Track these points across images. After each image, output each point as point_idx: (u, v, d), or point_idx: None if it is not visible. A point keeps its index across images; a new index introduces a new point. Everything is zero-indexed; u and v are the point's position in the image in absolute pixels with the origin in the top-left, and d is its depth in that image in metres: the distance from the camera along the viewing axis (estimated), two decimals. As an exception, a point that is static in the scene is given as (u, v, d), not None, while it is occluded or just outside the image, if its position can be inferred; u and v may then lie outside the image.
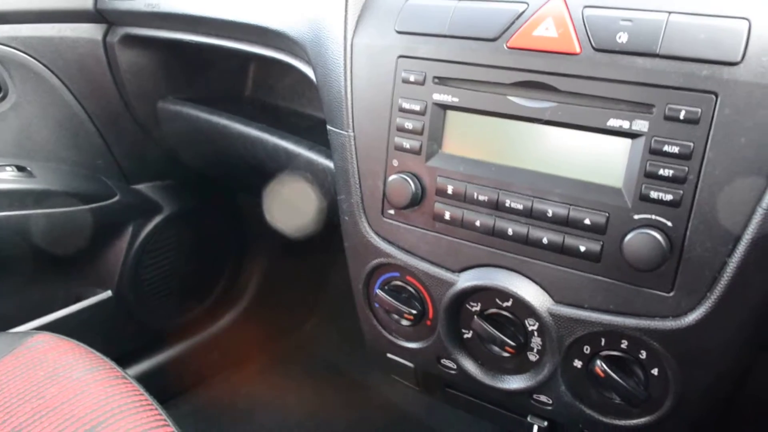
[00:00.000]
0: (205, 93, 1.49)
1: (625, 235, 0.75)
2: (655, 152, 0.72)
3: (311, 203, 1.25)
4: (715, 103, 0.68)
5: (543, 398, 0.92)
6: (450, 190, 0.87)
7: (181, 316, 1.82)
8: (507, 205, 0.83)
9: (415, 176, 0.89)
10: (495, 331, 0.89)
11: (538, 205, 0.81)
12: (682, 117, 0.70)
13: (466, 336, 0.95)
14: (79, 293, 1.55)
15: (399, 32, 0.89)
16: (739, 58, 0.67)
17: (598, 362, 0.83)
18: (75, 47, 1.37)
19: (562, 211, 0.79)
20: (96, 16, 1.37)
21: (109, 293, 1.58)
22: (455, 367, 0.97)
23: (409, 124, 0.88)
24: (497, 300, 0.89)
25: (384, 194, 0.93)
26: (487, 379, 0.95)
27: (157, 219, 1.61)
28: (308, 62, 1.03)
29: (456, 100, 0.85)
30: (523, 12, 0.79)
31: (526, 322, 0.88)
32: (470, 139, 0.86)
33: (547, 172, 0.81)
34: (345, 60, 0.94)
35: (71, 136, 1.43)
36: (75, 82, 1.40)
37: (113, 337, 1.61)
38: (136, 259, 1.59)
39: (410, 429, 1.76)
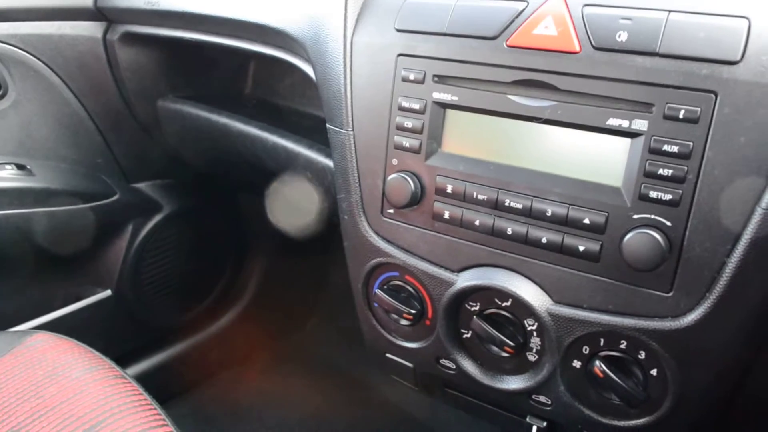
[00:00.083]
0: (205, 91, 1.49)
1: (625, 234, 0.74)
2: (655, 151, 0.72)
3: (311, 202, 1.25)
4: (715, 103, 0.68)
5: (542, 398, 0.92)
6: (449, 190, 0.86)
7: (180, 315, 1.82)
8: (506, 204, 0.83)
9: (415, 175, 0.89)
10: (494, 331, 0.89)
11: (538, 205, 0.80)
12: (681, 116, 0.70)
13: (465, 336, 0.95)
14: (78, 292, 1.55)
15: (399, 30, 0.88)
16: (738, 57, 0.67)
17: (597, 362, 0.83)
18: (75, 45, 1.37)
19: (561, 210, 0.79)
20: (96, 13, 1.37)
21: (108, 292, 1.57)
22: (454, 367, 0.97)
23: (408, 123, 0.88)
24: (496, 300, 0.88)
25: (383, 193, 0.93)
26: (486, 380, 0.95)
27: (157, 218, 1.61)
28: (308, 60, 1.03)
29: (455, 98, 0.84)
30: (523, 10, 0.79)
31: (525, 322, 0.87)
32: (470, 138, 0.86)
33: (547, 171, 0.81)
34: (345, 58, 0.94)
35: (71, 135, 1.43)
36: (75, 80, 1.39)
37: (113, 336, 1.61)
38: (136, 258, 1.59)
39: (410, 429, 1.76)
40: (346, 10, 0.94)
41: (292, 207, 1.52)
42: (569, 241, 0.79)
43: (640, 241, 0.73)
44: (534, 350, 0.89)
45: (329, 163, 1.06)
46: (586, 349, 0.84)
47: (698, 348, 0.77)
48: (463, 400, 1.05)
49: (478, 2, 0.83)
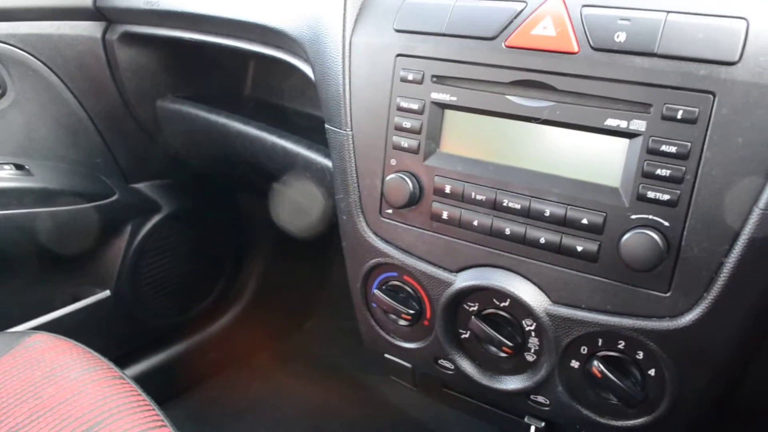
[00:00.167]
0: (204, 91, 1.49)
1: (623, 235, 0.74)
2: (653, 152, 0.72)
3: (310, 203, 1.25)
4: (713, 103, 0.68)
5: (540, 399, 0.92)
6: (448, 190, 0.86)
7: (179, 316, 1.82)
8: (505, 204, 0.83)
9: (413, 175, 0.89)
10: (492, 332, 0.89)
11: (536, 205, 0.80)
12: (679, 117, 0.70)
13: (463, 336, 0.95)
14: (77, 293, 1.55)
15: (397, 31, 0.88)
16: (736, 58, 0.67)
17: (595, 363, 0.83)
18: (74, 45, 1.37)
19: (559, 210, 0.79)
20: (95, 13, 1.37)
21: (107, 293, 1.57)
22: (453, 367, 0.97)
23: (407, 123, 0.88)
24: (495, 300, 0.88)
25: (382, 193, 0.93)
26: (484, 380, 0.95)
27: (156, 218, 1.61)
28: (307, 60, 1.03)
29: (454, 99, 0.85)
30: (522, 11, 0.79)
31: (523, 322, 0.88)
32: (468, 138, 0.86)
33: (545, 171, 0.81)
34: (343, 58, 0.94)
35: (70, 135, 1.43)
36: (74, 80, 1.39)
37: (111, 337, 1.61)
38: (135, 258, 1.59)
39: (410, 429, 1.76)
40: (345, 10, 0.94)
41: (291, 207, 1.53)
42: (567, 241, 0.79)
43: (638, 241, 0.73)
44: (532, 350, 0.89)
45: (328, 163, 1.06)
46: (584, 350, 0.84)
47: (696, 348, 0.77)
48: (461, 400, 1.05)
49: (477, 3, 0.83)
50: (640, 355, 0.81)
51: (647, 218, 0.73)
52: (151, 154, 1.58)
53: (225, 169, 1.64)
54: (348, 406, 1.81)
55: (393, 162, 0.90)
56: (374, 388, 1.85)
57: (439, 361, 0.99)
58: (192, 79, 1.49)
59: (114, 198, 1.49)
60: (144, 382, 0.97)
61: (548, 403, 0.91)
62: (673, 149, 0.71)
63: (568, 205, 0.78)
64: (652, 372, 0.81)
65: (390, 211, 0.93)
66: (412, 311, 0.96)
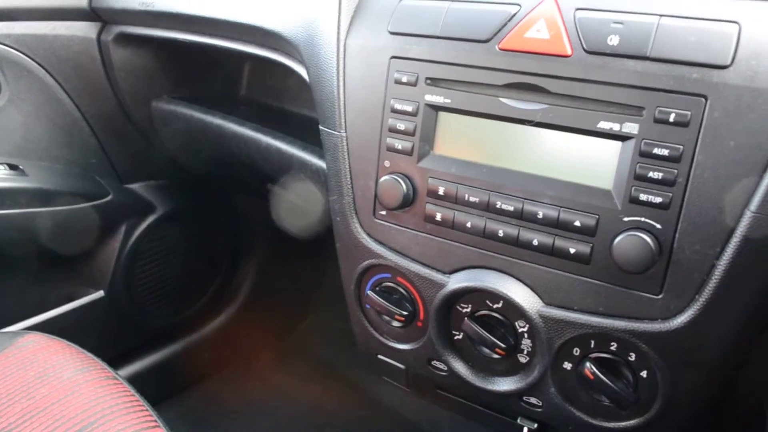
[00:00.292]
0: (199, 92, 1.49)
1: (615, 237, 0.75)
2: (645, 155, 0.72)
3: (304, 204, 1.25)
4: (705, 106, 0.69)
5: (533, 400, 0.92)
6: (441, 192, 0.87)
7: (174, 316, 1.81)
8: (498, 206, 0.83)
9: (407, 177, 0.89)
10: (485, 333, 0.89)
11: (529, 207, 0.81)
12: (671, 120, 0.70)
13: (456, 337, 0.95)
14: (71, 293, 1.54)
15: (392, 33, 0.89)
16: (728, 62, 0.68)
17: (588, 364, 0.83)
18: (69, 45, 1.37)
19: (552, 212, 0.79)
20: (90, 14, 1.37)
21: (101, 293, 1.57)
22: (446, 368, 0.97)
23: (401, 125, 0.88)
24: (488, 302, 0.89)
25: (375, 195, 0.93)
26: (477, 381, 0.95)
27: (151, 219, 1.60)
28: (302, 62, 1.03)
29: (448, 101, 0.85)
30: (516, 14, 0.79)
31: (516, 323, 0.88)
32: (462, 140, 0.86)
33: (538, 173, 0.81)
34: (338, 60, 0.94)
35: (65, 135, 1.42)
36: (69, 80, 1.39)
37: (105, 337, 1.61)
38: (129, 259, 1.58)
39: (405, 429, 1.76)
40: (339, 12, 0.94)
41: (286, 208, 1.53)
42: (560, 243, 0.79)
43: (630, 243, 0.73)
44: (525, 352, 0.89)
45: (322, 164, 1.07)
46: (576, 351, 0.84)
47: (688, 350, 0.77)
48: (454, 401, 1.06)
49: (471, 5, 0.83)
50: (633, 356, 0.81)
51: (639, 221, 0.74)
52: (145, 155, 1.58)
53: (220, 170, 1.64)
54: (344, 407, 1.81)
55: (387, 164, 0.90)
56: (370, 389, 1.85)
57: (433, 363, 0.99)
58: (187, 80, 1.49)
59: (108, 198, 1.49)
60: (137, 382, 0.97)
61: (541, 404, 0.92)
62: (665, 152, 0.71)
63: (561, 207, 0.79)
64: (644, 374, 0.81)
65: (384, 212, 0.93)
66: (405, 312, 0.96)
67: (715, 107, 0.68)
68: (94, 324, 1.57)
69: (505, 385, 0.93)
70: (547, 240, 0.80)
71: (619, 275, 0.77)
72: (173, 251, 1.71)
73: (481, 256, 0.87)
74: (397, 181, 0.88)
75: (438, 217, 0.88)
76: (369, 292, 0.99)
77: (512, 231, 0.83)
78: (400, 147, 0.89)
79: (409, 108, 0.87)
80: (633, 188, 0.73)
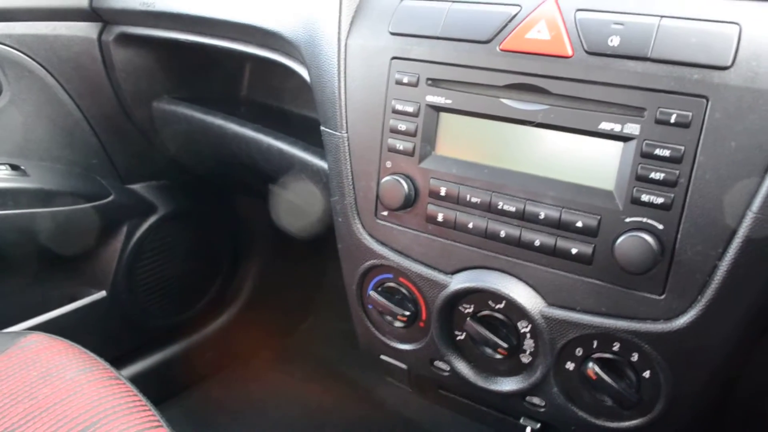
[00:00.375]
0: (200, 93, 1.49)
1: (617, 237, 0.75)
2: (647, 155, 0.72)
3: (306, 204, 1.25)
4: (706, 107, 0.69)
5: (535, 400, 0.92)
6: (443, 192, 0.87)
7: (176, 316, 1.81)
8: (500, 207, 0.83)
9: (409, 178, 0.89)
10: (488, 333, 0.89)
11: (531, 208, 0.81)
12: (673, 120, 0.70)
13: (458, 338, 0.95)
14: (73, 293, 1.54)
15: (393, 33, 0.89)
16: (729, 63, 0.68)
17: (590, 364, 0.83)
18: (70, 46, 1.37)
19: (554, 213, 0.79)
20: (91, 14, 1.37)
21: (103, 293, 1.57)
22: (448, 368, 0.97)
23: (402, 126, 0.88)
24: (490, 302, 0.89)
25: (377, 196, 0.93)
26: (479, 381, 0.95)
27: (152, 219, 1.61)
28: (303, 63, 1.03)
29: (449, 102, 0.85)
30: (516, 14, 0.79)
31: (518, 324, 0.88)
32: (463, 141, 0.86)
33: (540, 174, 0.81)
34: (339, 61, 0.94)
35: (66, 135, 1.43)
36: (70, 80, 1.39)
37: (107, 337, 1.61)
38: (131, 259, 1.58)
39: (407, 429, 1.76)
40: (340, 12, 0.94)
41: (288, 209, 1.53)
42: (562, 243, 0.80)
43: (632, 244, 0.73)
44: (527, 352, 0.89)
45: (324, 165, 1.07)
46: (579, 351, 0.84)
47: (690, 350, 0.77)
48: (457, 401, 1.06)
49: (472, 6, 0.83)
50: (635, 357, 0.81)
51: (641, 221, 0.74)
52: (147, 155, 1.58)
53: (221, 171, 1.64)
54: (345, 407, 1.81)
55: (388, 164, 0.91)
56: (372, 389, 1.85)
57: (435, 363, 0.99)
58: (188, 81, 1.49)
59: (110, 199, 1.49)
60: (140, 382, 0.97)
61: (544, 404, 0.92)
62: (666, 153, 0.71)
63: (563, 207, 0.79)
64: (646, 374, 0.81)
65: (385, 213, 0.93)
66: (407, 313, 0.96)
67: (716, 108, 0.68)
68: (97, 324, 1.57)
69: (507, 385, 0.93)
70: (549, 240, 0.80)
71: (622, 276, 0.77)
72: (175, 251, 1.71)
73: (483, 256, 0.87)
74: (399, 181, 0.88)
75: (440, 217, 0.88)
76: (371, 293, 0.99)
77: (514, 231, 0.83)
78: (401, 148, 0.89)
79: (410, 109, 0.87)
80: (635, 189, 0.73)
